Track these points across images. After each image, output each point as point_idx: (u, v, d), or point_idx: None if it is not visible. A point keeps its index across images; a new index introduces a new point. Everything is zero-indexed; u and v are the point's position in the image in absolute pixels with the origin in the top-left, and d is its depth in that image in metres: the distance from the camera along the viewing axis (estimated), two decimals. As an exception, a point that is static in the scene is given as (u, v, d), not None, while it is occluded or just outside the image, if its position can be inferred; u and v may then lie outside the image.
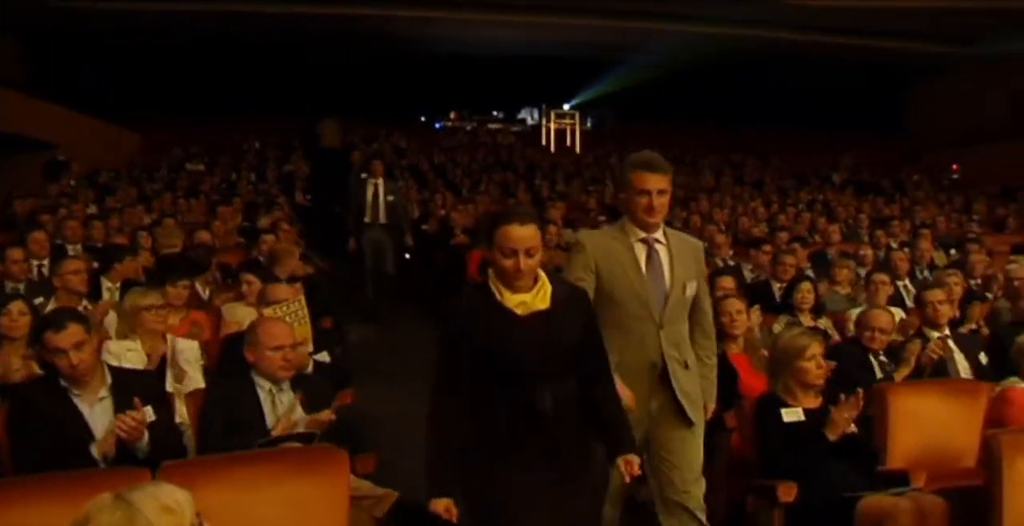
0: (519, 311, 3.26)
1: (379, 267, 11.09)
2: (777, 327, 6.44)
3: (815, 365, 4.48)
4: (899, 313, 6.94)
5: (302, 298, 5.99)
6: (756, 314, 6.00)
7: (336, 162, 18.54)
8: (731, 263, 9.18)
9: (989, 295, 8.27)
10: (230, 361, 5.14)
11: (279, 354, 4.40)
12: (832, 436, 4.29)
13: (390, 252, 11.11)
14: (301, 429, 4.23)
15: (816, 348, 4.52)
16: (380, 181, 11.12)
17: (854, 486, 4.22)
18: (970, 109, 24.84)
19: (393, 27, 22.34)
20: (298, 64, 23.83)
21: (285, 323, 4.88)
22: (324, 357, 5.91)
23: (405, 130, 23.58)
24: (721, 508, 4.76)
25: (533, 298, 3.28)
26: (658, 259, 4.01)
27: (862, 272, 8.37)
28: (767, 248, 9.30)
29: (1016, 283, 7.30)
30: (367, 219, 11.00)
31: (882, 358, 5.69)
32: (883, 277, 7.23)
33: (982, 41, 23.32)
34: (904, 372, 5.51)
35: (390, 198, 11.05)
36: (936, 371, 5.77)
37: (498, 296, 3.27)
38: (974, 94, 25.05)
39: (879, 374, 5.56)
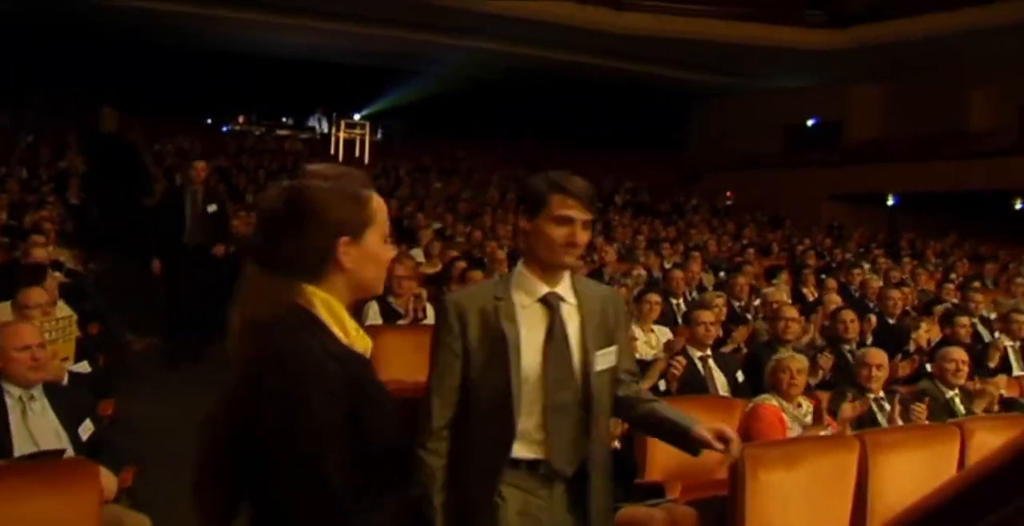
0: None
1: None
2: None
3: None
4: (665, 332, 7.23)
5: (73, 315, 5.74)
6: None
7: (119, 153, 17.95)
8: (509, 279, 9.30)
9: (749, 316, 8.74)
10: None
11: (27, 354, 4.20)
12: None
13: None
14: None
15: None
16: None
17: (613, 498, 4.37)
18: (746, 138, 26.19)
19: (184, 24, 21.85)
20: (83, 56, 22.84)
21: (31, 324, 4.68)
22: (84, 367, 5.66)
23: (191, 131, 22.93)
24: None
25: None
26: None
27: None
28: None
29: (773, 305, 7.71)
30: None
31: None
32: (654, 297, 7.48)
33: (754, 74, 24.66)
34: (647, 384, 5.68)
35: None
36: (696, 388, 6.04)
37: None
38: (749, 124, 26.44)
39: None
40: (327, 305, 1.88)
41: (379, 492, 1.84)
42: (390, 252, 2.03)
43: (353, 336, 1.90)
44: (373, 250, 1.94)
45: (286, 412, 1.74)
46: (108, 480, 3.80)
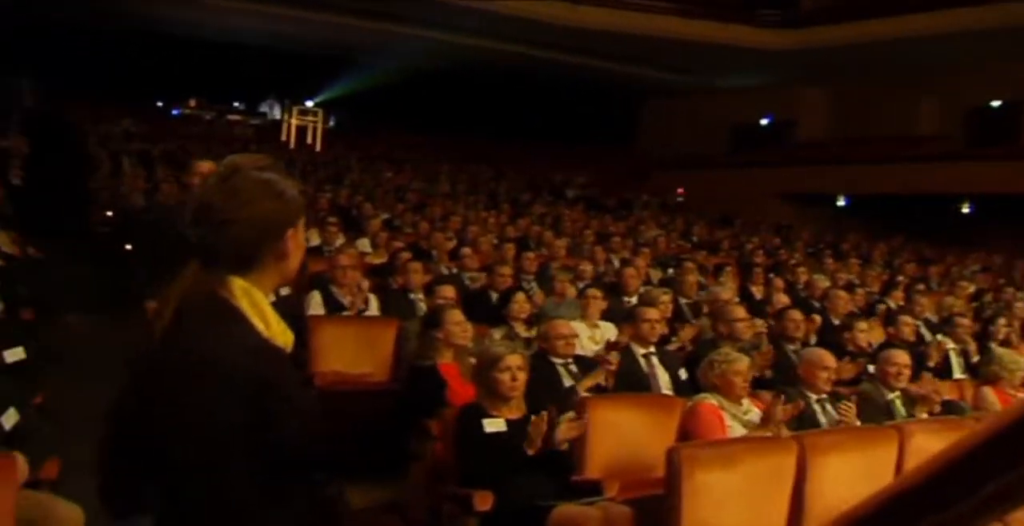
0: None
1: None
2: (497, 336, 6.53)
3: (509, 377, 4.54)
4: (611, 328, 7.18)
5: None
6: (469, 326, 6.05)
7: (61, 134, 17.66)
8: (454, 271, 9.24)
9: (696, 315, 8.72)
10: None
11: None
12: (530, 451, 4.37)
13: None
14: None
15: (512, 360, 4.57)
16: None
17: (548, 495, 4.32)
18: (696, 135, 26.29)
19: (138, 4, 21.48)
20: (33, 34, 22.41)
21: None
22: (18, 354, 5.49)
23: (139, 113, 22.63)
24: (419, 514, 4.79)
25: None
26: None
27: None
28: (467, 251, 9.50)
29: (718, 303, 7.69)
30: None
31: (572, 367, 5.86)
32: (595, 292, 7.43)
33: (706, 72, 24.78)
34: (587, 383, 5.64)
35: None
36: (639, 386, 6.01)
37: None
38: (700, 121, 26.54)
39: (568, 382, 5.72)
40: (250, 296, 1.82)
41: (289, 490, 1.78)
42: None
43: (274, 329, 1.84)
44: (302, 238, 1.93)
45: (192, 415, 1.69)
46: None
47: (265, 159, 1.93)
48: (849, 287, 10.64)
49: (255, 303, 1.83)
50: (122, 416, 1.82)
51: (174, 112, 27.47)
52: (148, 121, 22.32)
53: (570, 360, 5.90)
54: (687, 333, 7.38)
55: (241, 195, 1.82)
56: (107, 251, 12.74)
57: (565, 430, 4.40)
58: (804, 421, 5.34)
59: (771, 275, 10.96)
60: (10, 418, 4.12)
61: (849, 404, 5.27)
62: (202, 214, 1.83)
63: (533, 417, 4.39)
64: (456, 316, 5.68)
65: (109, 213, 13.83)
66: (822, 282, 10.33)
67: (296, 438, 1.77)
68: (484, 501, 4.21)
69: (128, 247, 12.29)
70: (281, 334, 1.86)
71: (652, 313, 6.43)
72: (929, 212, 21.82)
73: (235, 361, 1.71)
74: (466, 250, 9.55)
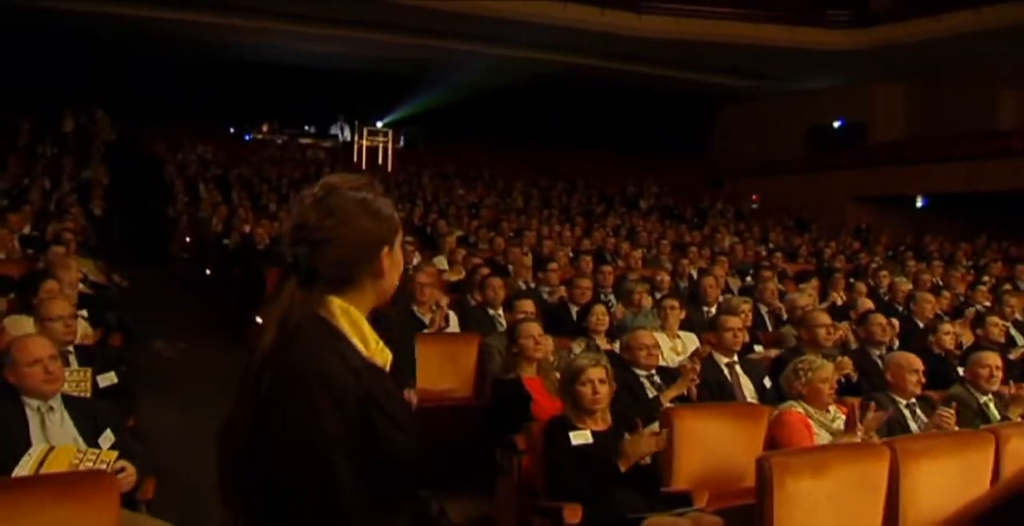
0: None
1: None
2: (576, 349, 6.50)
3: (590, 390, 4.53)
4: (693, 338, 7.13)
5: (89, 370, 5.65)
6: (549, 340, 6.04)
7: (134, 161, 18.03)
8: (532, 286, 9.24)
9: (776, 323, 8.62)
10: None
11: (38, 368, 4.15)
12: (623, 467, 4.35)
13: None
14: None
15: (593, 373, 4.56)
16: None
17: (638, 507, 4.29)
18: (769, 140, 25.98)
19: (206, 33, 21.96)
20: (108, 67, 22.95)
21: (39, 336, 4.61)
22: (110, 379, 5.61)
23: (212, 140, 23.06)
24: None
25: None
26: None
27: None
28: (553, 266, 9.50)
29: (799, 311, 7.59)
30: None
31: (655, 379, 5.82)
32: (672, 302, 7.37)
33: (776, 76, 24.53)
34: (671, 394, 5.58)
35: None
36: (723, 395, 5.96)
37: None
38: (773, 126, 26.23)
39: (651, 393, 5.68)
40: (348, 316, 1.84)
41: (392, 507, 1.79)
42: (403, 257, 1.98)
43: (373, 348, 1.86)
44: (399, 257, 1.94)
45: (296, 428, 1.70)
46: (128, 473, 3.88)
47: (361, 179, 1.94)
48: (934, 289, 10.44)
49: (353, 322, 1.85)
50: (229, 436, 1.84)
51: (247, 137, 27.83)
52: (222, 147, 22.73)
53: (653, 371, 5.87)
54: (772, 351, 7.26)
55: (337, 214, 1.83)
56: (188, 277, 13.03)
57: (644, 444, 4.38)
58: (894, 426, 5.25)
59: (852, 280, 10.79)
60: (107, 439, 4.21)
61: (949, 410, 5.15)
62: (299, 234, 1.85)
63: (628, 436, 4.38)
64: (529, 329, 5.63)
65: (187, 239, 14.11)
66: (904, 285, 10.14)
67: (400, 454, 1.78)
68: (574, 514, 4.20)
69: (208, 272, 12.60)
70: (380, 353, 1.87)
71: (734, 321, 6.39)
72: (1014, 209, 21.26)
73: (336, 379, 1.72)
74: (552, 265, 9.55)
